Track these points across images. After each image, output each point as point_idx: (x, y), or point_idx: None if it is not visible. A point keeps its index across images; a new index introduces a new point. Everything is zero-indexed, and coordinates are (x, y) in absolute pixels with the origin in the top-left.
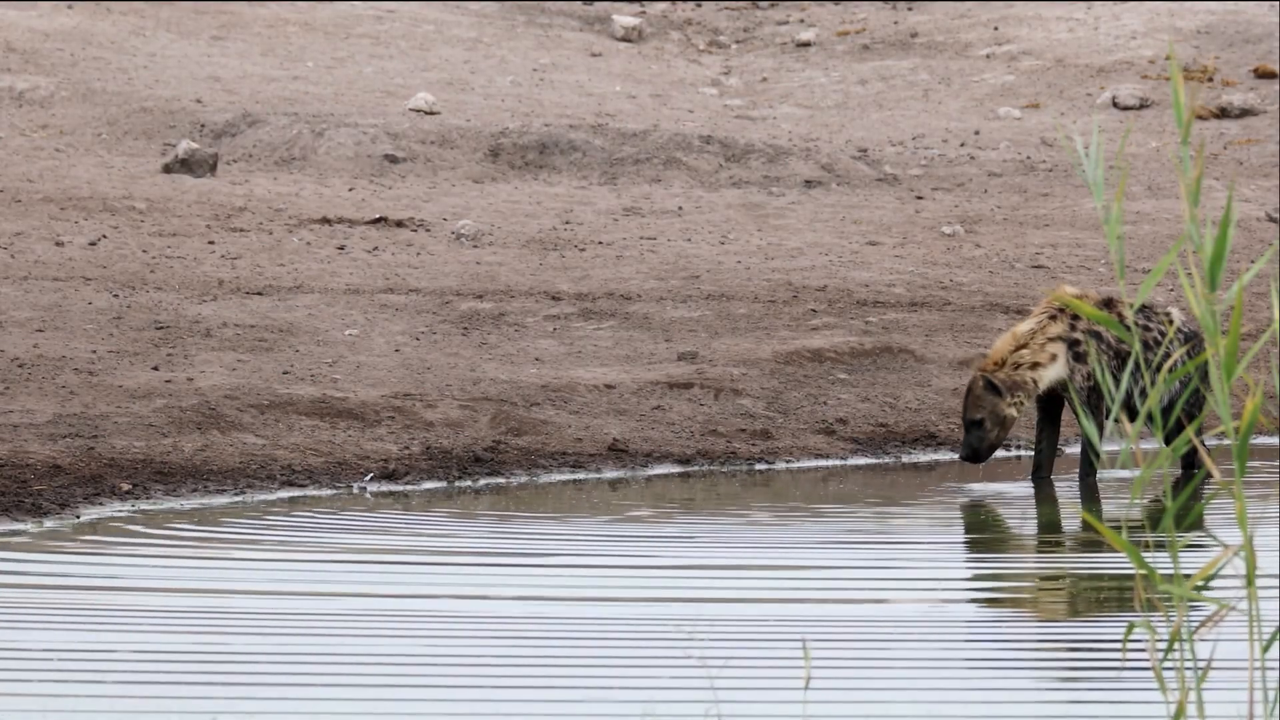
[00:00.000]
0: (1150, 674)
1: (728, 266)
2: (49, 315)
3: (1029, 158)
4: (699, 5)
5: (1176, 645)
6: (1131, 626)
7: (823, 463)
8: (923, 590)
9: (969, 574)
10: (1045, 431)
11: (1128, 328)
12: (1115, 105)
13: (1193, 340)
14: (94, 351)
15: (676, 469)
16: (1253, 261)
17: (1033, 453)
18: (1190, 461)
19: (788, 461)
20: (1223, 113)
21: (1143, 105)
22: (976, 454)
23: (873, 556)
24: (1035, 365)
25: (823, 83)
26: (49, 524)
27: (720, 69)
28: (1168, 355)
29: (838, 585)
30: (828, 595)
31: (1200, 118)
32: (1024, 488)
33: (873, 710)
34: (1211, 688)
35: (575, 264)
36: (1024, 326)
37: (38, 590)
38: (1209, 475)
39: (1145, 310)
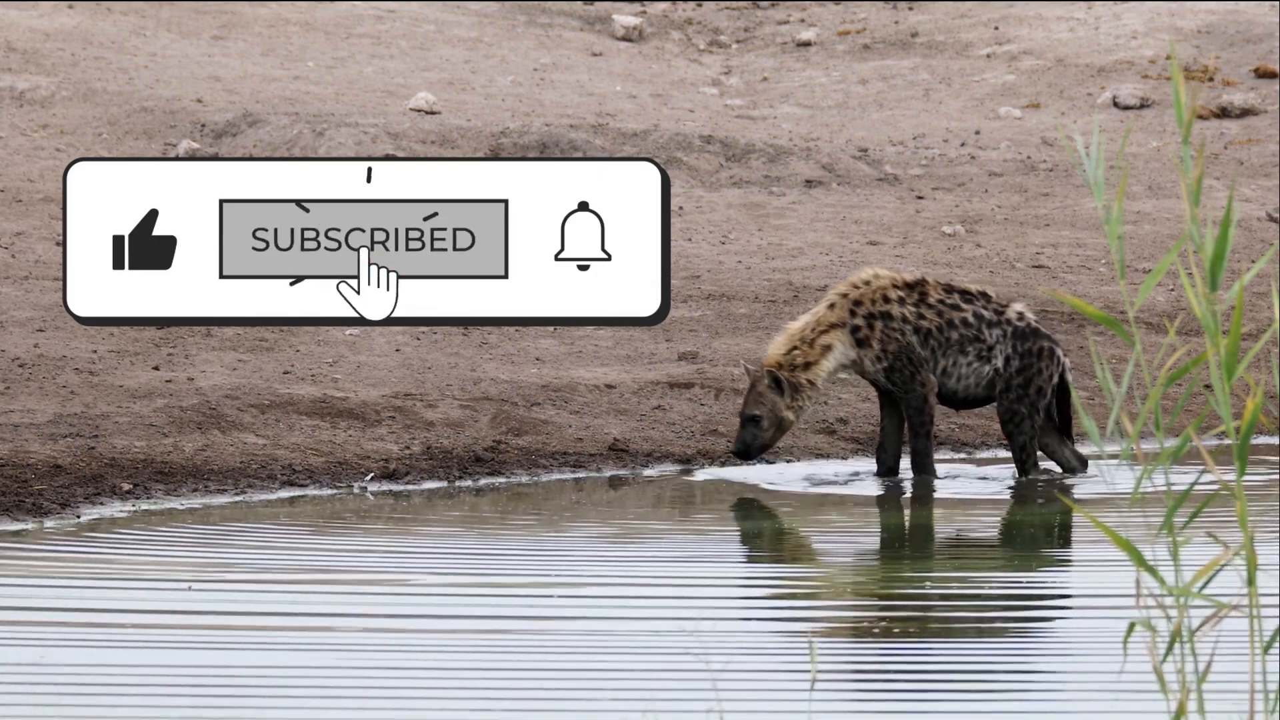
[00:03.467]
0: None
1: (728, 266)
2: (49, 315)
3: (1029, 157)
4: (699, 5)
5: (1176, 646)
6: (1132, 626)
7: (823, 463)
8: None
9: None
10: (886, 420)
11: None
12: (1116, 105)
13: (1025, 339)
14: (94, 351)
15: (677, 469)
16: (1253, 261)
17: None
18: (1067, 465)
19: (788, 461)
20: (1223, 112)
21: (1143, 105)
22: (748, 450)
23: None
24: (807, 365)
25: (823, 82)
26: (49, 524)
27: (721, 69)
28: (977, 338)
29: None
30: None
31: (1201, 117)
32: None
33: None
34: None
35: None
36: (797, 323)
37: (37, 591)
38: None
39: (966, 292)
